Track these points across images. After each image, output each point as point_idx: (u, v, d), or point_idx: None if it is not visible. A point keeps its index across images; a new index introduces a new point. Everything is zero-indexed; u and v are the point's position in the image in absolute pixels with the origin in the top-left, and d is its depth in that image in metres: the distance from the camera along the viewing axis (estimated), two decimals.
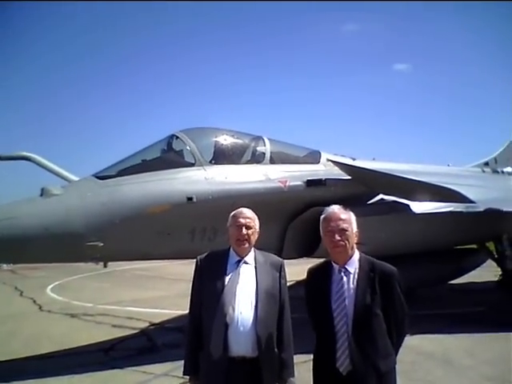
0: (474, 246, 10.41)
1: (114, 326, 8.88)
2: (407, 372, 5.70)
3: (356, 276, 2.63)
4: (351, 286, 2.60)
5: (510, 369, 5.62)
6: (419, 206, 7.66)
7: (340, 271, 2.66)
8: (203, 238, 6.64)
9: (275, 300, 2.85)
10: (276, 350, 2.81)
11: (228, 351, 2.68)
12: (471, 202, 7.37)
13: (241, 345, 2.69)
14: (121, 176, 6.47)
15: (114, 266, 18.94)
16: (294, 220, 7.26)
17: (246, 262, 2.90)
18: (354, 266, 2.66)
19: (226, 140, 7.57)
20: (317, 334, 2.71)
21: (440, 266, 9.46)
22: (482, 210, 7.53)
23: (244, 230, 2.89)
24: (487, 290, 10.14)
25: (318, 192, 7.22)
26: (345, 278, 2.63)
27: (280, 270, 2.95)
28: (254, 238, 2.94)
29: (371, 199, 7.99)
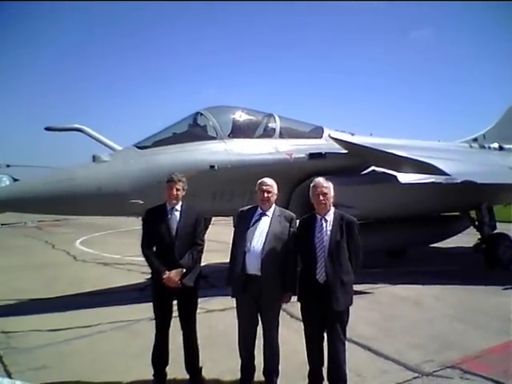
0: (458, 214, 11.65)
1: (144, 272, 10.04)
2: (382, 309, 7.17)
3: (331, 223, 4.02)
4: (328, 228, 4.00)
5: (466, 309, 7.09)
6: (405, 177, 8.95)
7: (321, 219, 4.05)
8: (222, 199, 8.03)
9: (282, 241, 4.16)
10: (278, 273, 4.13)
11: (245, 269, 4.11)
12: (446, 174, 8.59)
13: (252, 266, 4.10)
14: (156, 146, 7.87)
15: (134, 225, 20.49)
16: (298, 186, 8.59)
17: (265, 215, 4.28)
18: (330, 217, 4.05)
19: (242, 117, 8.92)
20: (302, 259, 4.12)
21: (425, 229, 10.81)
22: (458, 181, 8.72)
23: (265, 194, 4.26)
24: (468, 254, 11.43)
25: (319, 163, 8.56)
26: (324, 224, 4.02)
27: (291, 221, 4.30)
28: (272, 199, 4.31)
29: (364, 170, 9.34)
